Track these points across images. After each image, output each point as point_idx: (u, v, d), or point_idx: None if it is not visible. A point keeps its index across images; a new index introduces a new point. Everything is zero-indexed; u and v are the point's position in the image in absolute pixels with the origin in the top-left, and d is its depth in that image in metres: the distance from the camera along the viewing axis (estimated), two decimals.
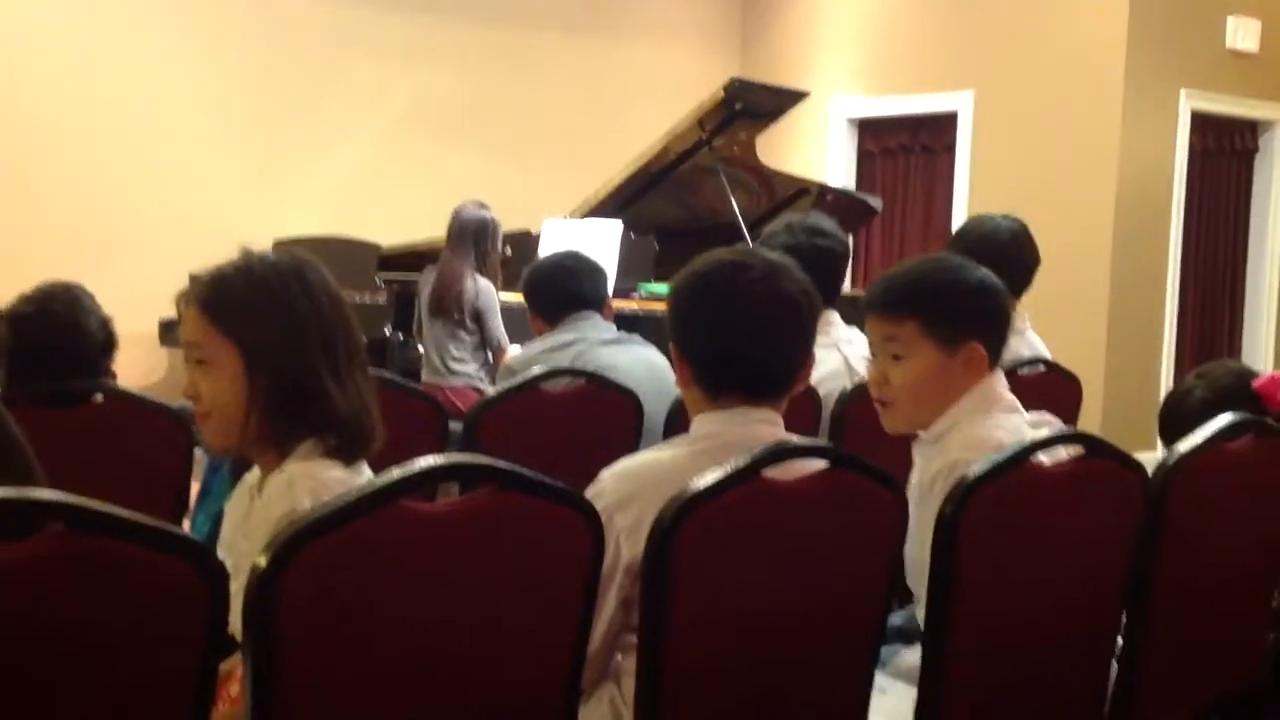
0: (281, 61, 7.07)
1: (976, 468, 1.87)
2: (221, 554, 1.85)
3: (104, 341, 2.53)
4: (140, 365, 6.26)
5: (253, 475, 1.87)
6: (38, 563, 1.26)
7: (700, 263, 2.03)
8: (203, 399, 1.80)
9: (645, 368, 3.26)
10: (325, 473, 1.74)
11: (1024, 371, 3.26)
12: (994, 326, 2.23)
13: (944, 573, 1.86)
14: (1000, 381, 2.25)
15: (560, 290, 3.41)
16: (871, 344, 2.28)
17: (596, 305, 3.41)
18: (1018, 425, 2.16)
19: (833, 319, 3.23)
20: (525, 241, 6.06)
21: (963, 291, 2.21)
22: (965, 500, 1.84)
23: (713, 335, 1.98)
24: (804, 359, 2.02)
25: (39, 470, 1.50)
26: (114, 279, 6.15)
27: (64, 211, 6.43)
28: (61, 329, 2.44)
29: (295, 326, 1.78)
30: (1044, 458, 1.98)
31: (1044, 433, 2.03)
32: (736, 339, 1.96)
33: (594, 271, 3.48)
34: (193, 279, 1.83)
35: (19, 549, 1.25)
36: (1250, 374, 2.52)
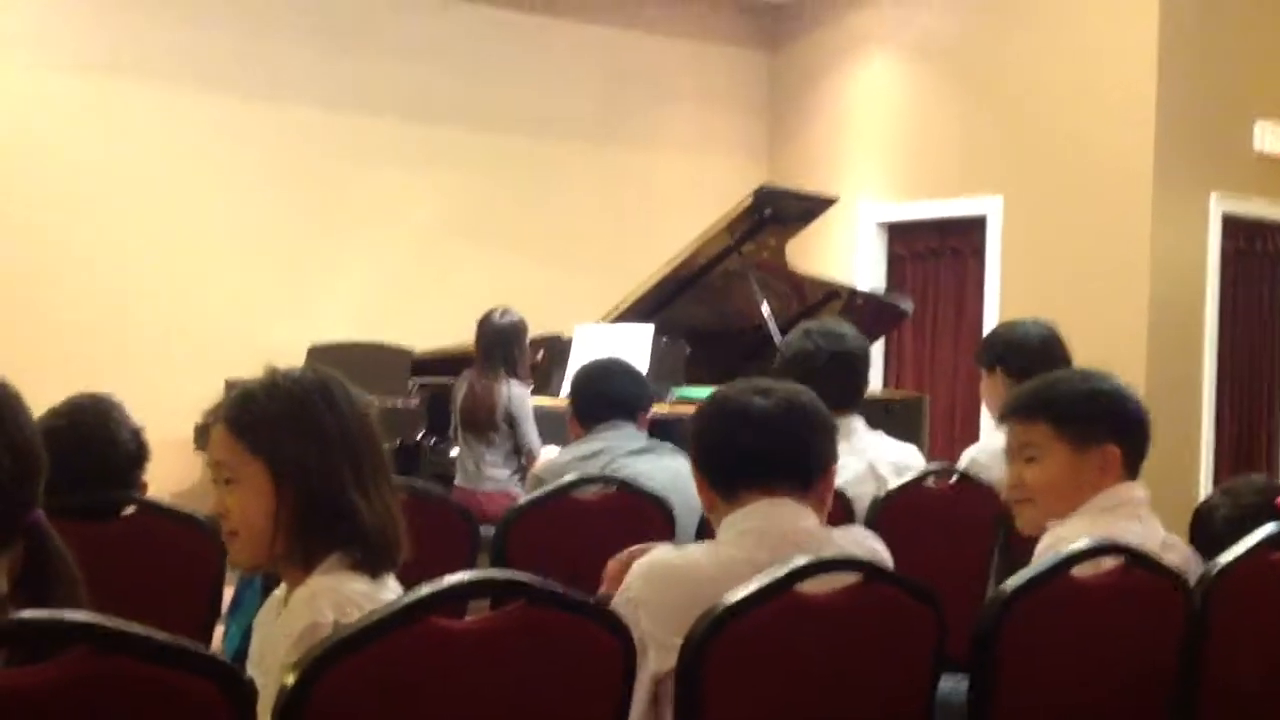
0: (310, 171, 7.18)
1: (1012, 581, 1.85)
2: (251, 670, 1.84)
3: (136, 452, 2.54)
4: (175, 472, 6.29)
5: (281, 590, 1.87)
6: (62, 686, 1.25)
7: (717, 390, 2.14)
8: (231, 517, 1.81)
9: (673, 476, 3.24)
10: (349, 586, 1.74)
11: None
12: (1127, 430, 2.32)
13: (983, 685, 1.82)
14: (1137, 489, 2.31)
15: (598, 395, 3.42)
16: (1008, 450, 2.38)
17: (633, 411, 3.40)
18: (1131, 531, 2.16)
19: (855, 425, 3.22)
20: (556, 345, 6.09)
21: (1092, 393, 2.33)
22: (1003, 612, 1.81)
23: (726, 435, 2.04)
24: (819, 452, 2.05)
25: (81, 587, 1.50)
26: (148, 388, 6.21)
27: (96, 322, 6.50)
28: (93, 441, 2.45)
29: (322, 442, 1.78)
30: (1086, 569, 1.95)
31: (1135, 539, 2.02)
32: (746, 437, 2.01)
33: (634, 377, 3.48)
34: (221, 401, 1.85)
35: (43, 672, 1.25)
36: (1275, 489, 2.50)
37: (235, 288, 6.92)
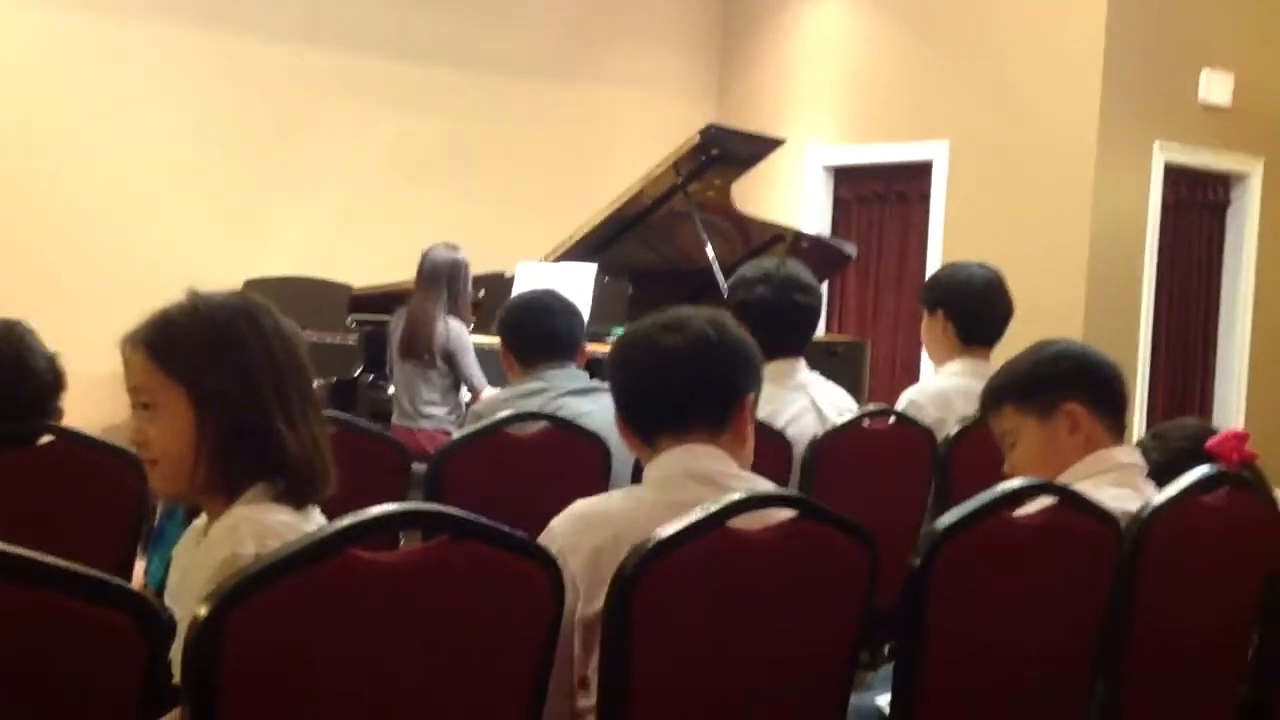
0: (258, 103, 7.04)
1: (944, 519, 1.83)
2: (169, 602, 1.79)
3: (52, 380, 2.46)
4: (104, 407, 6.17)
5: (201, 520, 1.82)
6: None
7: (632, 325, 2.11)
8: (151, 445, 1.74)
9: (612, 417, 3.21)
10: (271, 516, 1.69)
11: None
12: (1082, 383, 2.35)
13: (912, 624, 1.81)
14: (1120, 453, 2.32)
15: (536, 330, 3.36)
16: (999, 443, 2.42)
17: (571, 348, 3.36)
18: (1116, 496, 2.15)
19: (799, 365, 3.20)
20: (499, 283, 6.03)
21: (1037, 361, 2.39)
22: (934, 552, 1.80)
23: (637, 378, 2.03)
24: (735, 390, 2.02)
25: None
26: (79, 320, 6.07)
27: (30, 250, 6.34)
28: (6, 368, 2.37)
29: (245, 369, 1.72)
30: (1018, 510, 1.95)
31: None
32: (658, 376, 2.00)
33: (571, 313, 3.43)
34: (138, 326, 1.77)
35: None
36: (1206, 433, 2.52)
37: (173, 222, 6.77)
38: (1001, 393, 2.40)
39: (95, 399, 6.10)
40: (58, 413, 2.47)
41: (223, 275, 5.87)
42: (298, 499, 1.73)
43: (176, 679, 1.35)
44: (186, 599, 1.68)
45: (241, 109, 6.99)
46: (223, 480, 1.73)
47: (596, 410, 3.15)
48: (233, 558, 1.61)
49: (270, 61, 7.06)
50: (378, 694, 1.43)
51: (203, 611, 1.31)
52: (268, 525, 1.67)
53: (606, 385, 3.35)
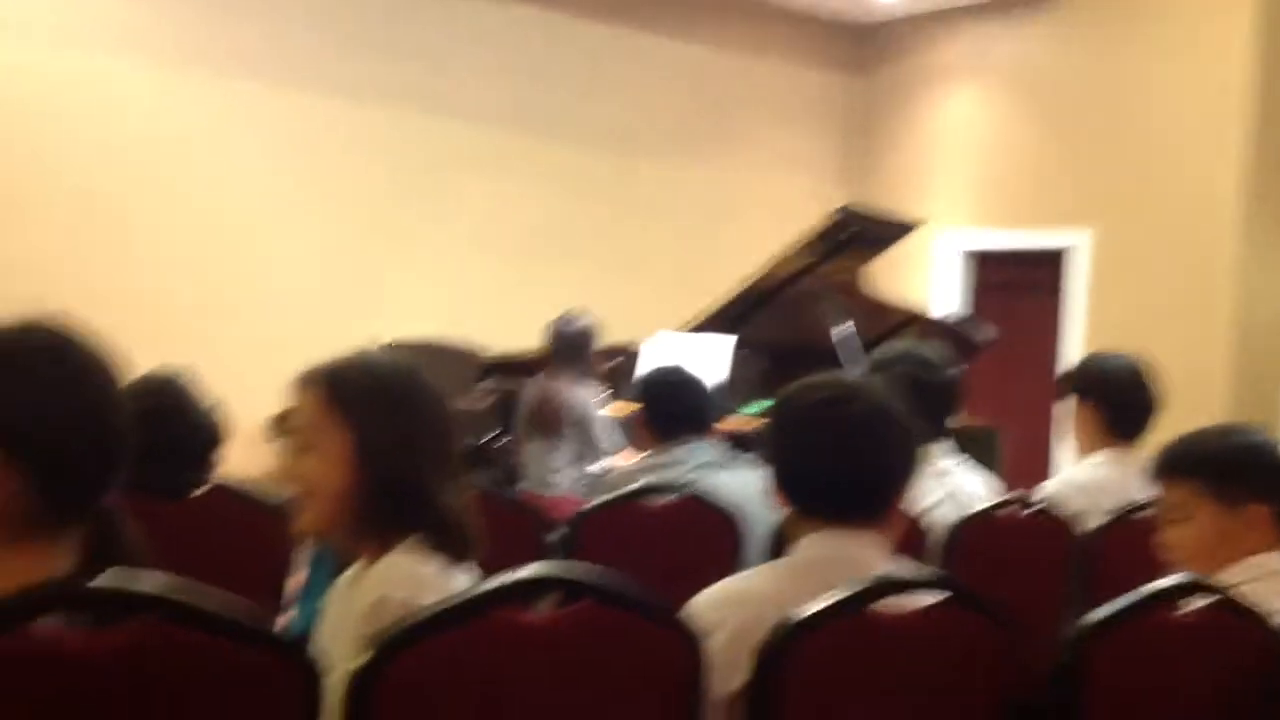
0: (398, 174, 7.23)
1: (1097, 613, 1.78)
2: (320, 643, 1.84)
3: (212, 433, 2.53)
4: (246, 463, 6.33)
5: (352, 570, 1.86)
6: (126, 652, 1.24)
7: (796, 389, 2.01)
8: (306, 482, 1.80)
9: (746, 491, 3.19)
10: (423, 567, 1.73)
11: (1144, 514, 3.13)
12: (1276, 488, 2.24)
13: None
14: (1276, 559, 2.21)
15: (673, 407, 3.38)
16: (1159, 511, 2.32)
17: (705, 423, 3.37)
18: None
19: (939, 450, 3.15)
20: (629, 354, 6.06)
21: (1238, 449, 2.27)
22: (1085, 645, 1.74)
23: (804, 455, 1.95)
24: (898, 480, 1.95)
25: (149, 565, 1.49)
26: (222, 377, 6.26)
27: (180, 305, 6.58)
28: (171, 419, 2.45)
29: (410, 425, 1.79)
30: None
31: None
32: (826, 457, 1.91)
33: (705, 390, 3.45)
34: (316, 367, 1.84)
35: (108, 637, 1.23)
36: None
37: (316, 284, 6.97)
38: (1188, 466, 2.26)
39: (243, 452, 6.30)
40: (214, 464, 2.54)
41: (361, 338, 6.00)
42: (453, 553, 1.76)
43: None
44: (339, 641, 1.72)
45: (388, 176, 7.20)
46: (372, 527, 1.77)
47: (731, 483, 3.14)
48: (382, 601, 1.65)
49: (418, 133, 7.26)
50: None
51: (358, 662, 1.33)
52: (419, 575, 1.71)
53: (744, 458, 3.38)
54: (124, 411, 1.44)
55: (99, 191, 6.39)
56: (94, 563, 1.41)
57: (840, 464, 1.91)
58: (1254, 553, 2.20)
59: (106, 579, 1.28)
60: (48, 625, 1.25)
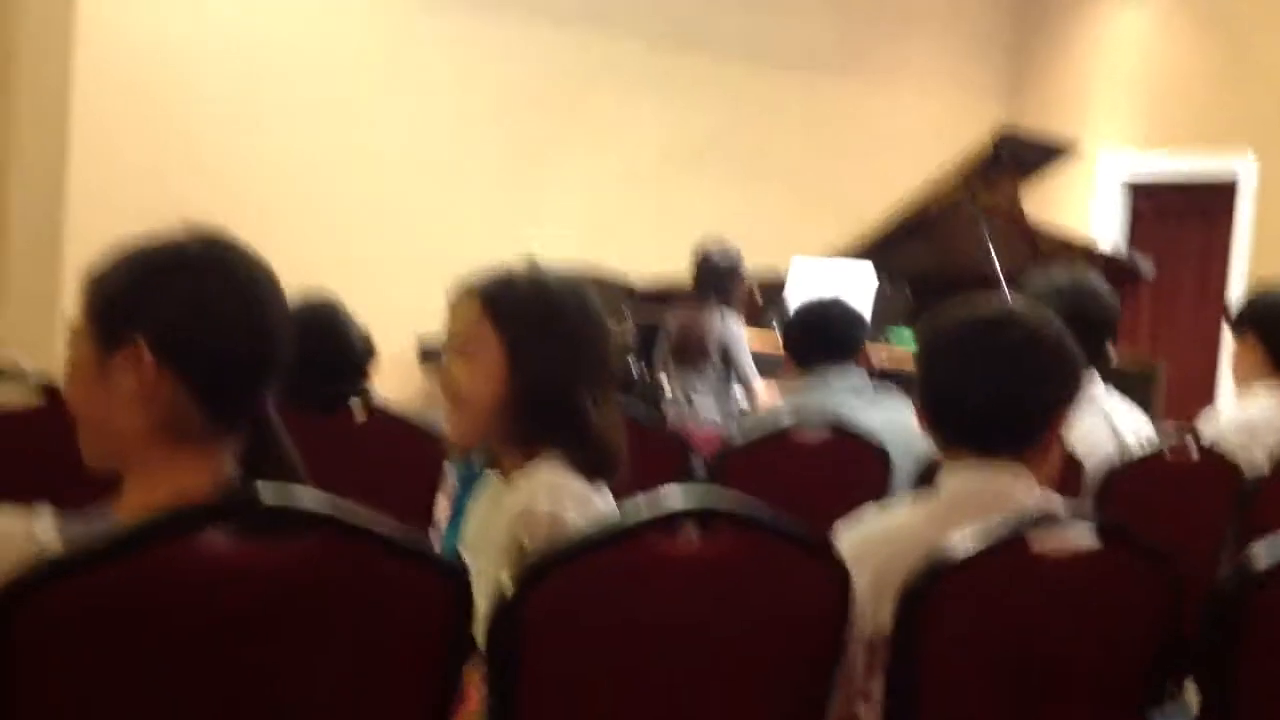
0: (535, 91, 7.20)
1: (1265, 553, 1.71)
2: (463, 551, 1.90)
3: (364, 352, 2.60)
4: (396, 385, 6.48)
5: (492, 479, 1.90)
6: (295, 567, 1.28)
7: (948, 313, 1.94)
8: (459, 388, 1.83)
9: (894, 427, 3.15)
10: (569, 481, 1.76)
11: None
12: None
13: (1219, 657, 1.70)
14: None
15: (815, 334, 3.34)
16: None
17: (851, 350, 3.32)
18: None
19: (1093, 377, 3.06)
20: (772, 280, 6.02)
21: None
22: (1248, 585, 1.68)
23: (950, 381, 1.89)
24: (1049, 411, 1.88)
25: (303, 479, 1.52)
26: (367, 300, 6.39)
27: (321, 233, 6.65)
28: (326, 339, 2.51)
29: (566, 339, 1.81)
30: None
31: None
32: (972, 385, 1.85)
33: (852, 319, 3.39)
34: (476, 277, 1.87)
35: (275, 550, 1.27)
36: None
37: (453, 206, 7.01)
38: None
39: (391, 376, 6.44)
40: (366, 380, 2.60)
41: (498, 257, 6.05)
42: (592, 471, 1.79)
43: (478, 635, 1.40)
44: (484, 547, 1.76)
45: (524, 94, 7.15)
46: (519, 437, 1.80)
47: (877, 416, 3.10)
48: (528, 511, 1.70)
49: (555, 49, 7.20)
50: (668, 675, 1.46)
51: (508, 586, 1.36)
52: (565, 488, 1.74)
53: (890, 389, 3.33)
54: (284, 321, 1.46)
55: (245, 108, 6.52)
56: (251, 470, 1.45)
57: (986, 392, 1.84)
58: None
59: (273, 494, 1.31)
60: (215, 536, 1.29)
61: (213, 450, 1.42)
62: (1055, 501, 1.90)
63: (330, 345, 2.52)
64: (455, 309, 1.87)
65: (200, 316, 1.39)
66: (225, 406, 1.42)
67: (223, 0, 6.44)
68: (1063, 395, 1.90)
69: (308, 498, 1.30)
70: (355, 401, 2.56)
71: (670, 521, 1.44)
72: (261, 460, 1.46)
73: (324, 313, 2.56)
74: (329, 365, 2.48)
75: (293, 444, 1.52)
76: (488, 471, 1.95)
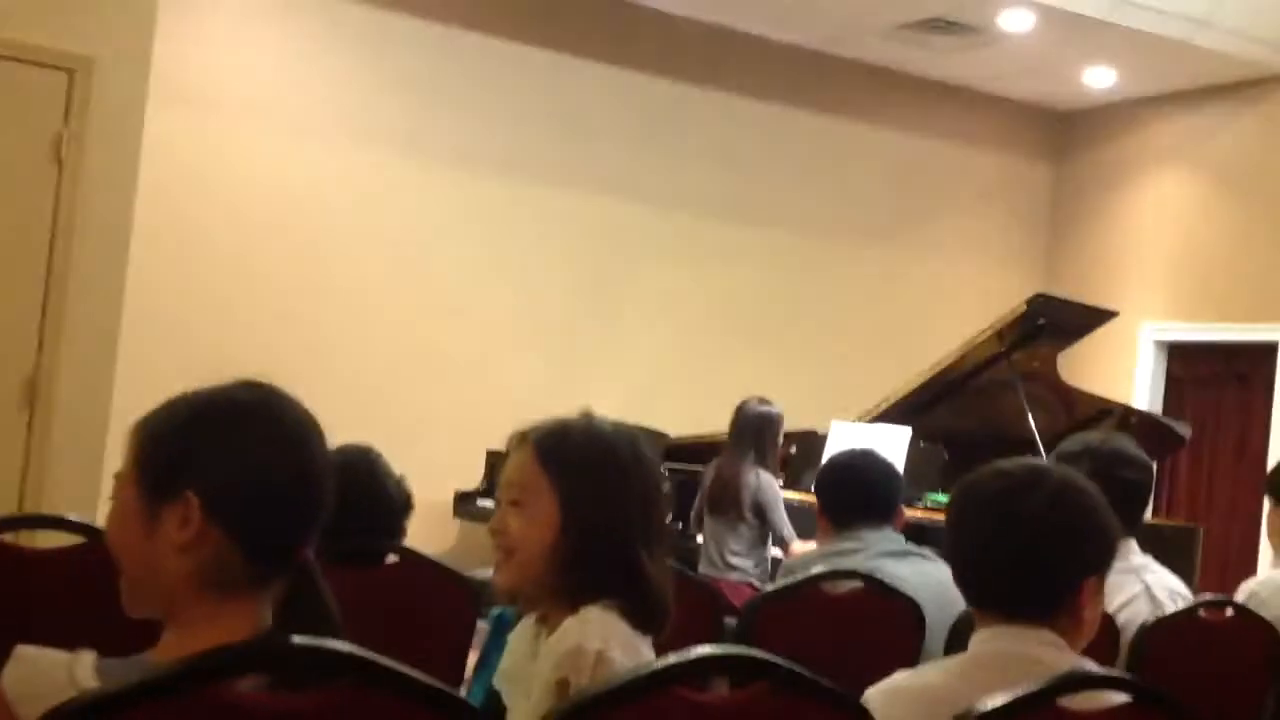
0: (585, 260, 7.39)
1: None
2: (497, 684, 1.91)
3: (402, 503, 2.63)
4: (432, 537, 6.50)
5: (532, 622, 1.90)
6: (323, 713, 1.28)
7: (978, 475, 1.95)
8: (509, 536, 1.84)
9: (929, 584, 3.13)
10: (621, 627, 1.75)
11: None
12: None
13: None
14: None
15: (852, 490, 3.34)
16: None
17: (887, 511, 3.32)
18: None
19: (1131, 547, 3.04)
20: (811, 441, 6.04)
21: None
22: None
23: (976, 545, 1.91)
24: (1076, 576, 1.87)
25: (341, 631, 1.54)
26: (411, 452, 6.42)
27: (370, 389, 6.76)
28: (364, 490, 2.54)
29: (621, 493, 1.81)
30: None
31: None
32: (998, 549, 1.87)
33: (889, 475, 3.39)
34: (533, 425, 1.90)
35: (306, 698, 1.28)
36: None
37: (503, 364, 7.14)
38: None
39: (420, 526, 6.45)
40: (402, 533, 2.63)
41: (546, 413, 6.12)
42: (643, 623, 1.78)
43: None
44: (519, 680, 1.76)
45: (575, 260, 7.36)
46: (571, 588, 1.80)
47: (912, 575, 3.09)
48: (578, 650, 1.69)
49: (599, 216, 7.42)
50: None
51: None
52: (616, 629, 1.73)
53: (923, 551, 3.32)
54: (328, 471, 1.48)
55: (303, 258, 6.69)
56: (288, 618, 1.46)
57: (1010, 557, 1.85)
58: None
59: (305, 641, 1.33)
60: (247, 683, 1.31)
61: (254, 599, 1.44)
62: (1088, 665, 1.89)
63: (367, 495, 2.55)
64: (511, 458, 1.88)
65: (251, 471, 1.42)
66: (270, 557, 1.44)
67: (305, 150, 6.62)
68: (1092, 562, 1.89)
69: (338, 645, 1.32)
70: (392, 554, 2.58)
71: (702, 671, 1.45)
72: (299, 609, 1.47)
73: (362, 462, 2.59)
74: (365, 516, 2.50)
75: (331, 590, 1.54)
76: (527, 619, 1.95)
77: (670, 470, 6.24)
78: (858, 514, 3.31)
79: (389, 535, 2.58)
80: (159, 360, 5.73)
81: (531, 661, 1.81)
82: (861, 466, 3.40)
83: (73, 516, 2.50)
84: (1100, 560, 1.91)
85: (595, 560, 1.79)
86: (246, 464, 1.42)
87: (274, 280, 6.58)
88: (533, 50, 7.22)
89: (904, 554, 3.24)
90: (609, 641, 1.70)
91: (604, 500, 1.80)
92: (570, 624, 1.76)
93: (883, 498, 3.33)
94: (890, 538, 3.28)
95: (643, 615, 1.78)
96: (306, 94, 6.73)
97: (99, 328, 5.51)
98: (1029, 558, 1.85)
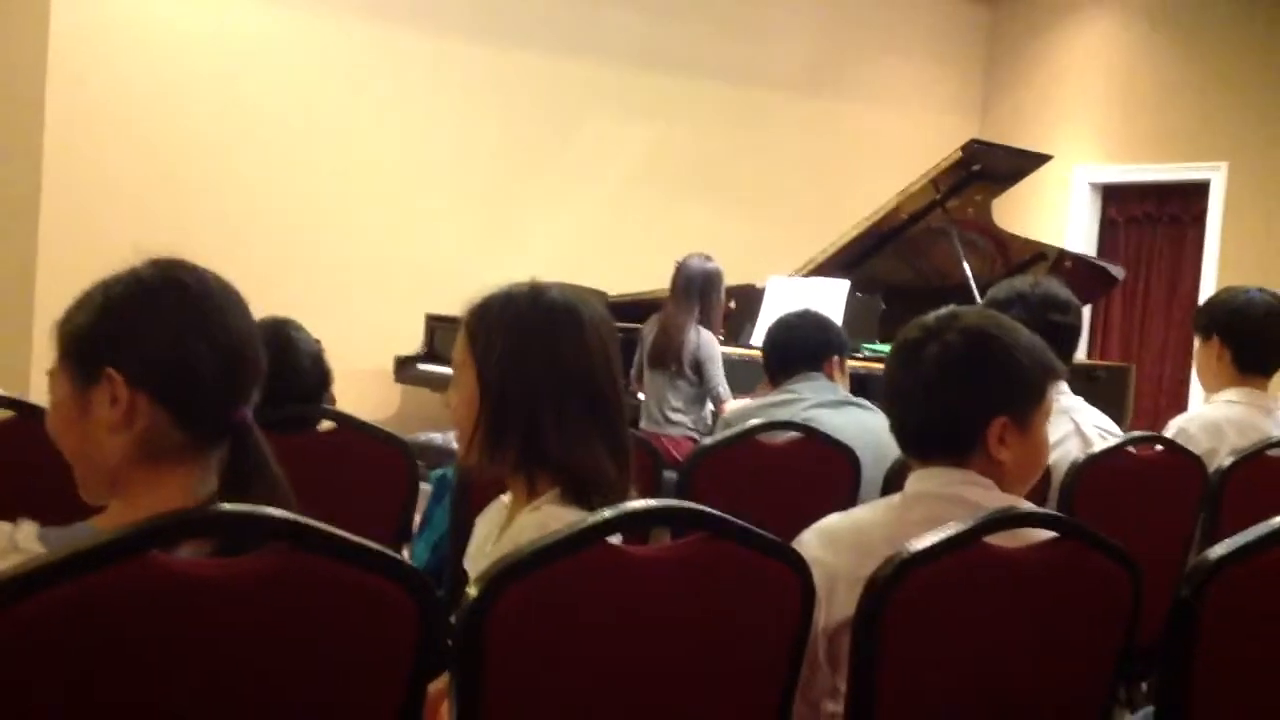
0: (519, 115, 7.27)
1: (1218, 548, 1.75)
2: (467, 565, 1.96)
3: (318, 377, 2.59)
4: (373, 401, 6.50)
5: (505, 497, 1.92)
6: (259, 579, 1.29)
7: (903, 330, 2.01)
8: (451, 410, 1.89)
9: (864, 431, 3.18)
10: (555, 515, 1.75)
11: (1274, 453, 3.05)
12: None
13: (1178, 660, 1.73)
14: None
15: (787, 347, 3.38)
16: None
17: (819, 361, 3.35)
18: None
19: (1062, 388, 3.09)
20: (750, 295, 6.05)
21: None
22: (1206, 583, 1.71)
23: (894, 395, 1.98)
24: (982, 421, 1.90)
25: (284, 487, 1.55)
26: (352, 318, 6.41)
27: (308, 253, 6.72)
28: (276, 362, 2.49)
29: (528, 360, 1.81)
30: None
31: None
32: (907, 398, 1.94)
33: (820, 327, 3.43)
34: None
35: (241, 564, 1.29)
36: None
37: (440, 227, 7.07)
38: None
39: (361, 391, 6.45)
40: (329, 403, 2.61)
41: (485, 279, 6.08)
42: (580, 502, 1.77)
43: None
44: (486, 561, 1.77)
45: (504, 117, 7.24)
46: (498, 457, 1.81)
47: (846, 422, 3.13)
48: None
49: (531, 72, 7.29)
50: (631, 679, 1.47)
51: (472, 592, 1.37)
52: (548, 524, 1.71)
53: (861, 401, 3.36)
54: (250, 337, 1.53)
55: (228, 125, 6.52)
56: (233, 483, 1.50)
57: (915, 399, 1.92)
58: None
59: (238, 508, 1.34)
60: (188, 550, 1.32)
61: (193, 467, 1.48)
62: (1019, 504, 1.94)
63: (282, 369, 2.49)
64: (458, 334, 1.91)
65: (166, 341, 1.46)
66: (203, 423, 1.48)
67: (208, 17, 6.43)
68: (996, 402, 1.91)
69: (273, 511, 1.32)
70: (327, 420, 2.57)
71: (630, 525, 1.46)
72: (243, 473, 1.51)
73: (277, 336, 2.54)
74: (281, 389, 2.46)
75: (271, 455, 1.55)
76: (496, 502, 1.97)
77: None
78: (792, 368, 3.35)
79: (309, 402, 2.55)
80: (80, 249, 5.64)
81: (496, 544, 1.83)
82: (795, 324, 3.44)
83: (1, 391, 2.48)
84: (1008, 401, 1.92)
85: (504, 428, 1.79)
86: (161, 335, 1.47)
87: (193, 153, 6.42)
88: None
89: (841, 404, 3.28)
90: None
91: (507, 367, 1.80)
92: (528, 520, 1.77)
93: (817, 347, 3.37)
94: (827, 388, 3.32)
95: (575, 491, 1.77)
96: None
97: (17, 215, 5.39)
98: (928, 399, 1.91)
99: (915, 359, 1.92)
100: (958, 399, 1.91)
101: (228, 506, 1.37)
